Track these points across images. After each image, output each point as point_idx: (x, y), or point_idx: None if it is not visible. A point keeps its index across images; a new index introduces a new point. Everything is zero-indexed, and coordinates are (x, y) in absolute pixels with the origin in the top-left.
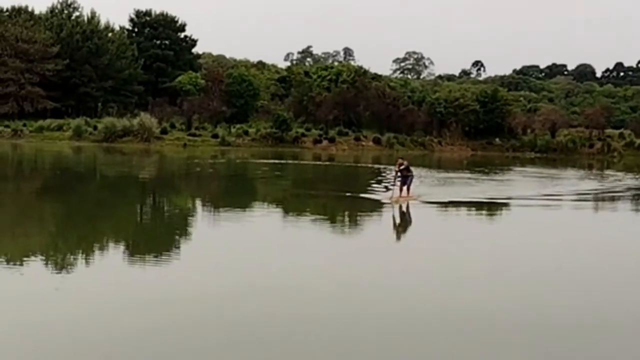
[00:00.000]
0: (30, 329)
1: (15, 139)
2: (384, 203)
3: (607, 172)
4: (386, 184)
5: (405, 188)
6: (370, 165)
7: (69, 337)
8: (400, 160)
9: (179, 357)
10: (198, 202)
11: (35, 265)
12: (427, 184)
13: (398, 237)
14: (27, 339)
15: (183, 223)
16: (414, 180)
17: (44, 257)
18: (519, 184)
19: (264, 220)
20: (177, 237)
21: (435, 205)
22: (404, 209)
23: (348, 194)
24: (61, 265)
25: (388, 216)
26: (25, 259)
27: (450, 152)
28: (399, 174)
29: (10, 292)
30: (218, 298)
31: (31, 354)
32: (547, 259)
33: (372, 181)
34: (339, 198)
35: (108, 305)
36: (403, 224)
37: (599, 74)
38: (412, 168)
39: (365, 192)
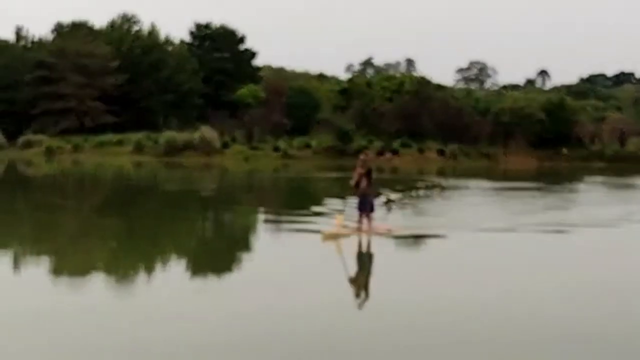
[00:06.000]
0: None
1: (76, 154)
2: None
3: None
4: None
5: (364, 214)
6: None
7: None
8: (362, 157)
9: None
10: (260, 219)
11: (98, 281)
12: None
13: None
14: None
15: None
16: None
17: (106, 273)
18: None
19: None
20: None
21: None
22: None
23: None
24: (125, 281)
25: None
26: (88, 274)
27: (516, 163)
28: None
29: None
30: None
31: None
32: None
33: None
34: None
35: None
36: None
37: None
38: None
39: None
